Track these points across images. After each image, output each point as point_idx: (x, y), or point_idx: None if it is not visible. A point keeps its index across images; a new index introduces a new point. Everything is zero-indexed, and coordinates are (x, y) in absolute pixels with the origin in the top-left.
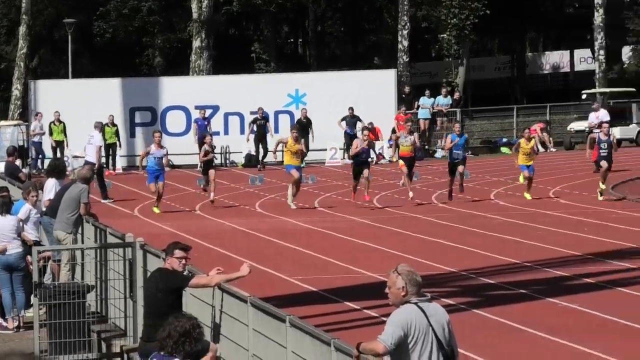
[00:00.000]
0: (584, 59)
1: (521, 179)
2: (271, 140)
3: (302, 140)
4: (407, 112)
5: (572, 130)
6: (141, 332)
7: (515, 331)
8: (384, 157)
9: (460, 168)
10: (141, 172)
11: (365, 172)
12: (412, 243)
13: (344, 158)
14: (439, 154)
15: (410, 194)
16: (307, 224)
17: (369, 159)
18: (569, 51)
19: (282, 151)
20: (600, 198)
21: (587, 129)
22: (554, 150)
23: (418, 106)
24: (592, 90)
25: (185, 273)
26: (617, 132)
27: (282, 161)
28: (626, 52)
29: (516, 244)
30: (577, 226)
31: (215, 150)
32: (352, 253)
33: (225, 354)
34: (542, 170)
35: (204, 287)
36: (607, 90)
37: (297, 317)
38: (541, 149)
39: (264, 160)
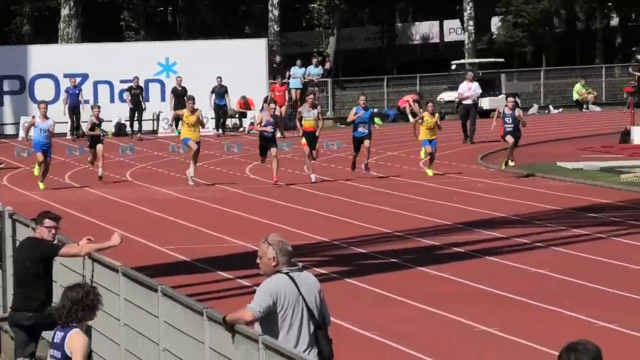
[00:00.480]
0: (453, 30)
1: (422, 154)
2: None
3: (200, 111)
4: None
5: (442, 100)
6: (11, 301)
7: (388, 300)
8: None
9: (366, 143)
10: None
11: (273, 150)
12: (285, 213)
13: (215, 128)
14: None
15: (312, 177)
16: (179, 194)
17: (274, 134)
18: (438, 22)
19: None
20: (504, 167)
21: (457, 100)
22: None
23: (289, 76)
24: (462, 61)
25: (55, 242)
26: (486, 102)
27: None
28: (495, 22)
29: (388, 214)
30: (448, 196)
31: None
32: (224, 222)
33: (96, 324)
34: (413, 140)
35: (74, 256)
36: (476, 60)
37: (169, 287)
38: (411, 120)
39: (141, 130)
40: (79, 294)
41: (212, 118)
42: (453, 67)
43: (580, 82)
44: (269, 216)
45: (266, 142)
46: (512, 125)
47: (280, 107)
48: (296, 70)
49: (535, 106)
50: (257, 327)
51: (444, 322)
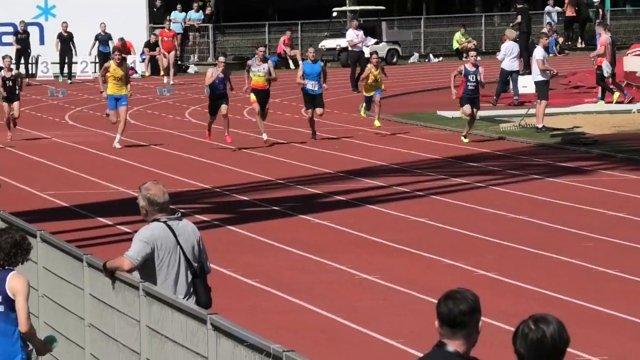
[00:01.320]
0: None
1: (362, 113)
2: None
3: (127, 64)
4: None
5: (323, 48)
6: None
7: (270, 247)
8: (135, 72)
9: (318, 110)
10: None
11: (224, 107)
12: (166, 159)
13: (95, 72)
14: (192, 69)
15: (264, 135)
16: (60, 139)
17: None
18: None
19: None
20: (466, 140)
21: (350, 48)
22: None
23: (169, 20)
24: (343, 8)
25: None
26: (366, 50)
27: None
28: None
29: (269, 161)
30: (329, 144)
31: None
32: (105, 169)
33: None
34: (291, 89)
35: None
36: (357, 8)
37: (48, 232)
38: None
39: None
40: (14, 237)
41: (91, 62)
42: (334, 14)
43: (460, 31)
44: (151, 163)
45: (217, 99)
46: (474, 84)
47: (169, 52)
48: (176, 15)
49: (416, 55)
50: (136, 273)
51: (326, 269)
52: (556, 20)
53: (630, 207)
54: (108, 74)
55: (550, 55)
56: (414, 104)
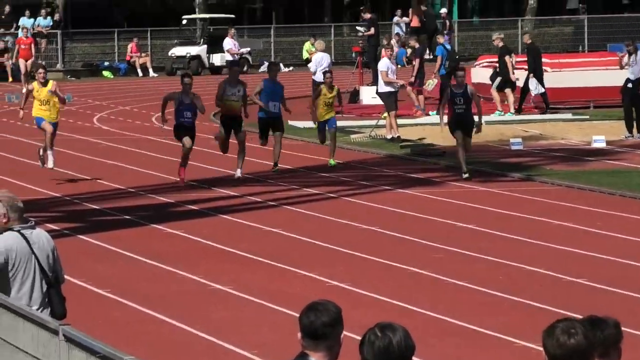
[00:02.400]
0: None
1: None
2: None
3: (53, 82)
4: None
5: (173, 55)
6: None
7: (121, 257)
8: None
9: (277, 135)
10: None
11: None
12: (14, 166)
13: None
14: None
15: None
16: None
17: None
18: None
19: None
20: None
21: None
22: (155, 75)
23: (18, 27)
24: (193, 16)
25: None
26: (217, 58)
27: None
28: None
29: (120, 169)
30: (179, 152)
31: None
32: None
33: None
34: (145, 95)
35: None
36: (207, 16)
37: None
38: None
39: None
40: None
41: None
42: (184, 22)
43: (310, 41)
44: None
45: (184, 130)
46: (463, 107)
47: (27, 61)
48: (25, 21)
49: (266, 63)
50: None
51: (179, 279)
52: (405, 31)
53: (479, 219)
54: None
55: (399, 66)
56: None
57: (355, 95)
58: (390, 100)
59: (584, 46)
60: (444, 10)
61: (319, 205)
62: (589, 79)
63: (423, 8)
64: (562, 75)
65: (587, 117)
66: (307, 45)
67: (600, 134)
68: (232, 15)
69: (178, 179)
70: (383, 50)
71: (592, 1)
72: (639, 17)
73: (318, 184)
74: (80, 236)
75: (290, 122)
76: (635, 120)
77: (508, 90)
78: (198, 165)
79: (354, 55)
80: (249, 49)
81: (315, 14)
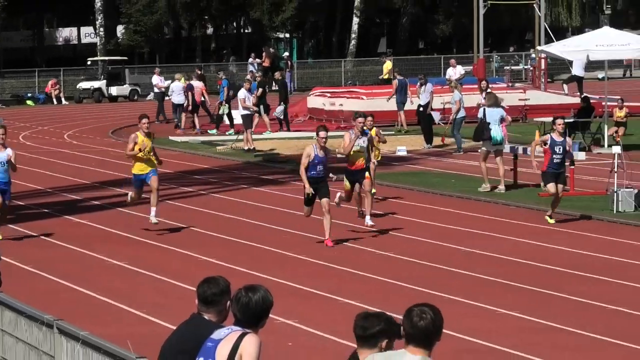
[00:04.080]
0: (88, 34)
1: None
2: None
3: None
4: None
5: (80, 88)
6: None
7: (43, 242)
8: None
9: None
10: None
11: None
12: None
13: None
14: None
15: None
16: None
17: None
18: (76, 28)
19: None
20: (551, 221)
21: (156, 90)
22: (67, 103)
23: None
24: (95, 58)
25: None
26: (114, 90)
27: None
28: (120, 29)
29: (40, 175)
30: (87, 161)
31: None
32: None
33: None
34: (58, 119)
35: None
36: (107, 58)
37: None
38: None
39: None
40: None
41: None
42: (89, 62)
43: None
44: None
45: (314, 183)
46: (560, 157)
47: None
48: None
49: (152, 94)
50: None
51: (85, 258)
52: (257, 69)
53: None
54: None
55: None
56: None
57: (220, 118)
58: (248, 121)
59: (390, 80)
60: (286, 54)
61: (192, 200)
62: (394, 104)
63: (272, 51)
64: (375, 101)
65: (393, 132)
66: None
67: (403, 145)
68: (125, 58)
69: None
70: (244, 83)
71: (396, 46)
72: (430, 57)
73: (192, 184)
74: (10, 225)
75: (170, 137)
76: (426, 134)
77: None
78: (98, 170)
79: (218, 87)
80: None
81: (189, 57)
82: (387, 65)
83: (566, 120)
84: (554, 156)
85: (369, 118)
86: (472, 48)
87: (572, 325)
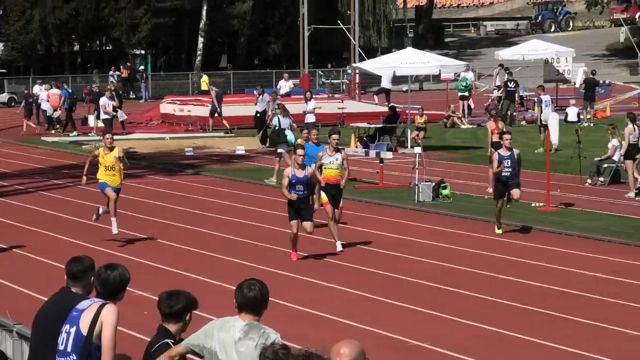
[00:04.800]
0: None
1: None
2: None
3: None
4: None
5: None
6: None
7: None
8: None
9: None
10: None
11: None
12: None
13: None
14: None
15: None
16: None
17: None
18: None
19: None
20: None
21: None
22: None
23: None
24: None
25: None
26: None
27: None
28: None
29: None
30: None
31: None
32: None
33: None
34: None
35: None
36: None
37: None
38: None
39: None
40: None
41: None
42: None
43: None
44: None
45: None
46: (509, 170)
47: None
48: None
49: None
50: None
51: None
52: (117, 80)
53: (170, 197)
54: None
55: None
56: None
57: (85, 121)
58: (108, 124)
59: (231, 90)
60: (142, 67)
61: (60, 191)
62: (236, 110)
63: (129, 64)
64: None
65: (234, 134)
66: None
67: (242, 145)
68: (4, 70)
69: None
70: (106, 92)
71: (235, 61)
72: (264, 72)
73: (61, 177)
74: None
75: (43, 137)
76: (263, 136)
77: None
78: None
79: (84, 95)
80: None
81: (59, 70)
82: (204, 79)
83: (376, 126)
84: (504, 169)
85: (314, 131)
86: (299, 65)
87: (382, 295)
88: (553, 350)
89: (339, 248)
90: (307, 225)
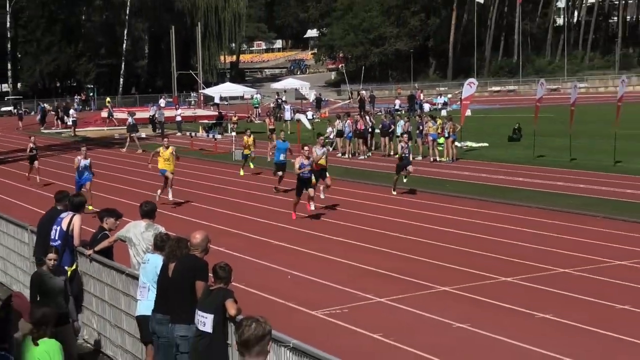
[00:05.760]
0: None
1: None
2: None
3: (173, 147)
4: None
5: None
6: None
7: None
8: None
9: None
10: None
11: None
12: None
13: None
14: None
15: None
16: None
17: None
18: None
19: None
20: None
21: None
22: None
23: None
24: None
25: None
26: None
27: None
28: None
29: None
30: None
31: None
32: None
33: None
34: None
35: None
36: None
37: None
38: None
39: None
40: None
41: None
42: None
43: None
44: None
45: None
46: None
47: None
48: None
49: None
50: None
51: None
52: (78, 101)
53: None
54: None
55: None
56: None
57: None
58: (74, 124)
59: (138, 104)
60: (92, 94)
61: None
62: (141, 114)
63: (85, 93)
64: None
65: (138, 130)
66: None
67: (143, 132)
68: (21, 96)
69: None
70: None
71: (139, 88)
72: (154, 95)
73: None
74: None
75: None
76: (153, 127)
77: None
78: None
79: (57, 108)
80: None
81: (48, 95)
82: (108, 99)
83: (212, 122)
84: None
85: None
86: (172, 91)
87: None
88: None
89: (312, 207)
90: (310, 190)
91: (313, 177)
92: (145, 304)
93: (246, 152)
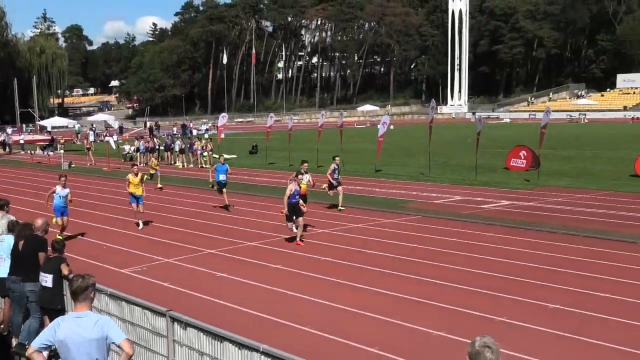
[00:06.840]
0: None
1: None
2: None
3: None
4: None
5: None
6: None
7: None
8: None
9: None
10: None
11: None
12: None
13: None
14: None
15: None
16: None
17: None
18: None
19: None
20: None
21: None
22: None
23: None
24: None
25: None
26: None
27: None
28: None
29: None
30: None
31: None
32: None
33: None
34: None
35: None
36: None
37: None
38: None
39: None
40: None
41: None
42: None
43: None
44: None
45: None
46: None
47: None
48: None
49: None
50: None
51: None
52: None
53: None
54: None
55: None
56: None
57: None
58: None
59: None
60: None
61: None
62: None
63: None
64: None
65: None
66: None
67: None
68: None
69: None
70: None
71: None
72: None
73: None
74: None
75: None
76: None
77: None
78: None
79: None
80: None
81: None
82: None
83: (43, 144)
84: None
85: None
86: None
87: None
88: None
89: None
90: (300, 220)
91: (301, 201)
92: (2, 270)
93: (152, 171)
